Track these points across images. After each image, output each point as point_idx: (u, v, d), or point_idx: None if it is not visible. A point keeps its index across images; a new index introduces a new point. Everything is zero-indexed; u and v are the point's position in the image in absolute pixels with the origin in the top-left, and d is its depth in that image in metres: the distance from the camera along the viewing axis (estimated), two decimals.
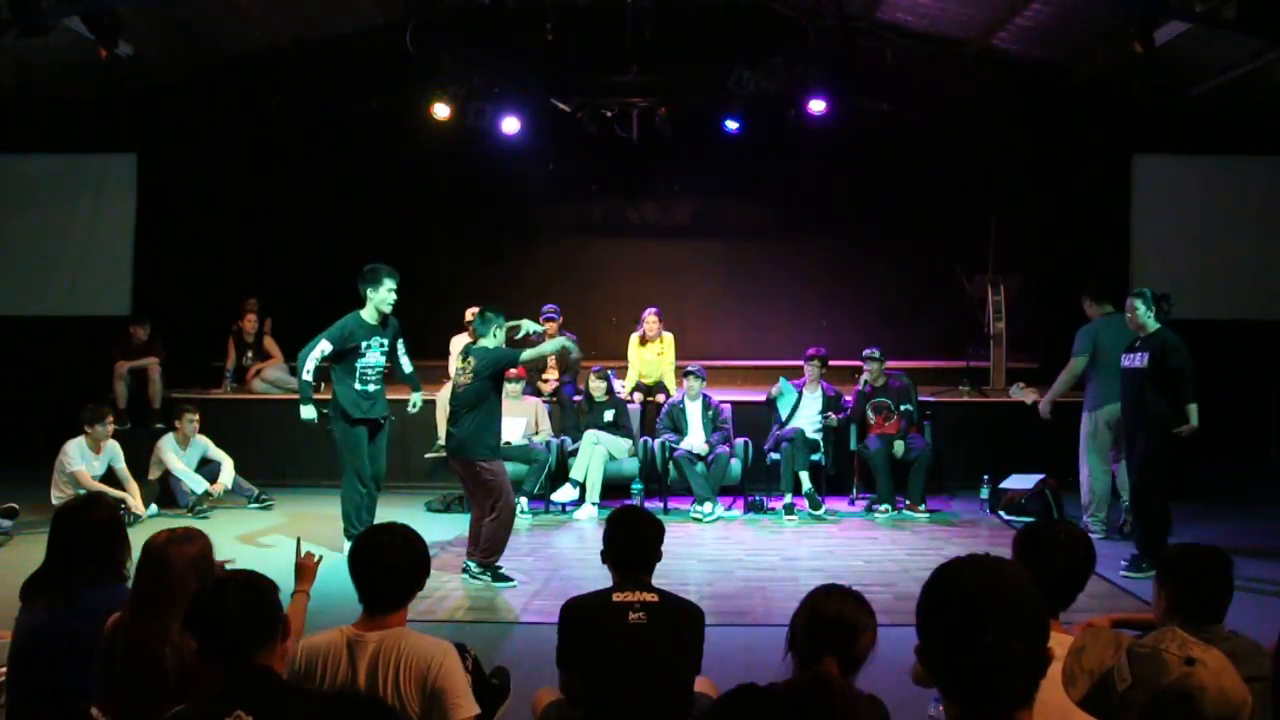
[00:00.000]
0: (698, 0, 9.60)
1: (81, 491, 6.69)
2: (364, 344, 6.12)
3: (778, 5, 9.87)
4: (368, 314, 6.15)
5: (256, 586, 2.22)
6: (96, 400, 7.62)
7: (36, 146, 10.25)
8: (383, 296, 6.14)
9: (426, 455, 8.41)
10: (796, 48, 9.25)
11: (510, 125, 9.74)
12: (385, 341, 6.25)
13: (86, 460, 7.17)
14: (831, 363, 8.40)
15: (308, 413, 6.14)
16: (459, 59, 9.31)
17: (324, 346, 6.03)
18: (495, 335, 5.84)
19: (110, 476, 7.28)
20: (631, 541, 3.06)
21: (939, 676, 1.45)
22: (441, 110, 9.35)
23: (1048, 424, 7.35)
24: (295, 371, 6.53)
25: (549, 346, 6.96)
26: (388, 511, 6.59)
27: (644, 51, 9.41)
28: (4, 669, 3.13)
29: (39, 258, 10.39)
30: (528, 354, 6.13)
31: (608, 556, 3.08)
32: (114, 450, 7.35)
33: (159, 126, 10.21)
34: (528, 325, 6.71)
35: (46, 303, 10.35)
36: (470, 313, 8.65)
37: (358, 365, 6.12)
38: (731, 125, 9.75)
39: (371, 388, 6.19)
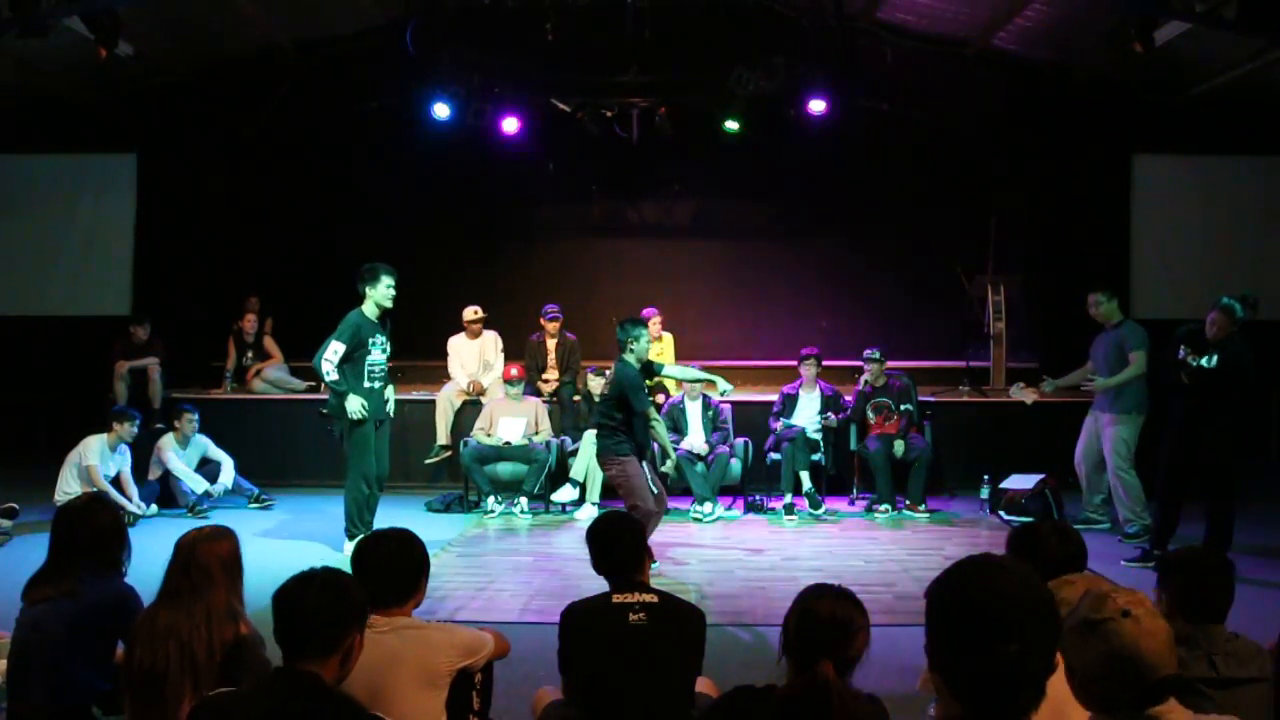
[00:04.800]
0: (698, 0, 9.59)
1: (92, 489, 6.73)
2: (370, 342, 6.14)
3: (778, 5, 9.86)
4: (369, 311, 6.18)
5: (340, 589, 2.18)
6: (101, 400, 7.62)
7: (36, 146, 10.25)
8: (382, 293, 6.16)
9: (426, 461, 8.41)
10: (796, 48, 9.25)
11: (510, 125, 9.74)
12: (385, 339, 6.27)
13: (104, 459, 7.23)
14: (831, 363, 8.40)
15: (354, 405, 6.08)
16: (459, 59, 9.31)
17: (336, 347, 6.03)
18: (632, 349, 5.87)
19: (115, 480, 7.30)
20: (612, 549, 3.11)
21: (950, 679, 1.43)
22: (441, 110, 9.35)
23: (1047, 424, 7.38)
24: (319, 378, 6.47)
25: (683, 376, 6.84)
26: (388, 511, 6.60)
27: (644, 51, 9.40)
28: (4, 662, 3.15)
29: (39, 258, 10.38)
30: (651, 415, 6.01)
31: (597, 568, 3.14)
32: (126, 456, 7.41)
33: (159, 126, 10.21)
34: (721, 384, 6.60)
35: (46, 303, 10.35)
36: (469, 313, 8.66)
37: (365, 364, 6.14)
38: (732, 125, 9.75)
39: (377, 385, 6.22)
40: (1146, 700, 1.76)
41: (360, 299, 6.22)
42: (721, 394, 7.19)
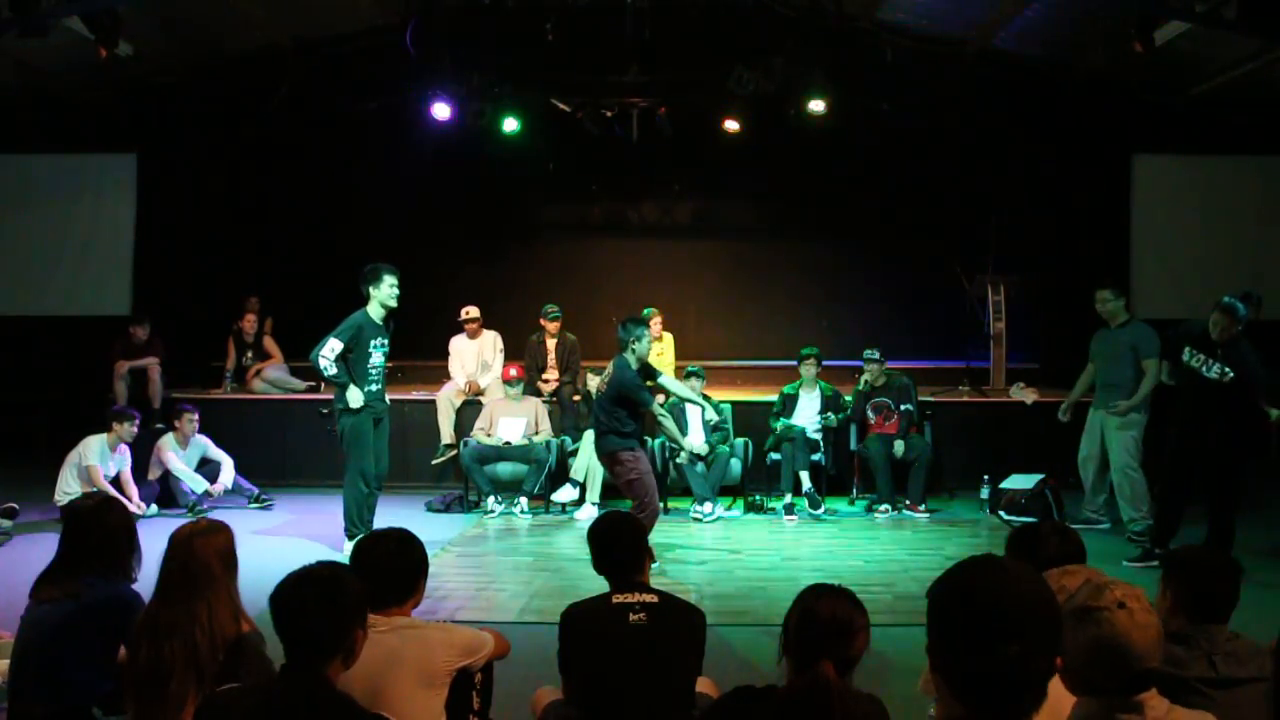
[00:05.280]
0: (698, 0, 9.59)
1: (92, 489, 6.73)
2: (371, 344, 6.12)
3: (778, 5, 9.86)
4: (373, 312, 6.16)
5: (337, 584, 2.16)
6: (101, 400, 7.62)
7: (36, 146, 10.25)
8: (386, 293, 6.15)
9: (433, 462, 8.41)
10: (796, 48, 9.25)
11: (510, 125, 9.74)
12: (386, 341, 6.26)
13: (104, 459, 7.23)
14: (831, 363, 8.40)
15: (356, 397, 6.05)
16: (459, 59, 9.31)
17: (334, 345, 6.01)
18: (634, 349, 5.89)
19: (115, 480, 7.30)
20: (611, 549, 3.12)
21: (952, 680, 1.43)
22: (441, 110, 9.35)
23: (1047, 424, 7.37)
24: (319, 376, 6.37)
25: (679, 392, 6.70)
26: (388, 511, 6.60)
27: (644, 51, 9.40)
28: (5, 662, 3.16)
29: (39, 258, 10.38)
30: (656, 411, 6.08)
31: (598, 567, 3.15)
32: (125, 456, 7.42)
33: (159, 126, 10.21)
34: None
35: (46, 303, 10.35)
36: (465, 312, 8.67)
37: (366, 366, 6.12)
38: (732, 125, 9.74)
39: (374, 387, 6.21)
40: (1128, 688, 1.85)
41: (363, 300, 6.20)
42: (708, 422, 7.18)
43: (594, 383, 7.98)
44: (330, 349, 6.00)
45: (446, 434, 8.40)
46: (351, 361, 6.08)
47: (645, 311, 8.74)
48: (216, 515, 7.36)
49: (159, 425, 8.30)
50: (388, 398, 6.52)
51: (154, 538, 2.99)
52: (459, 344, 8.72)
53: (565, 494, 7.66)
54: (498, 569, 6.12)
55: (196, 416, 7.80)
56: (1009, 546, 2.75)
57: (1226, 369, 5.69)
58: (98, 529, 3.10)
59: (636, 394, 5.80)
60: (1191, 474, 5.88)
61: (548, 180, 10.76)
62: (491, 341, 8.74)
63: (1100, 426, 6.85)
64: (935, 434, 8.14)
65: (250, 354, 9.40)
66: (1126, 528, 6.57)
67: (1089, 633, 1.85)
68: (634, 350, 5.88)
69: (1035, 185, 10.33)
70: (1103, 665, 1.84)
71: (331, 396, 6.39)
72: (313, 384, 9.05)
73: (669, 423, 6.25)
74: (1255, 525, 6.71)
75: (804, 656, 2.21)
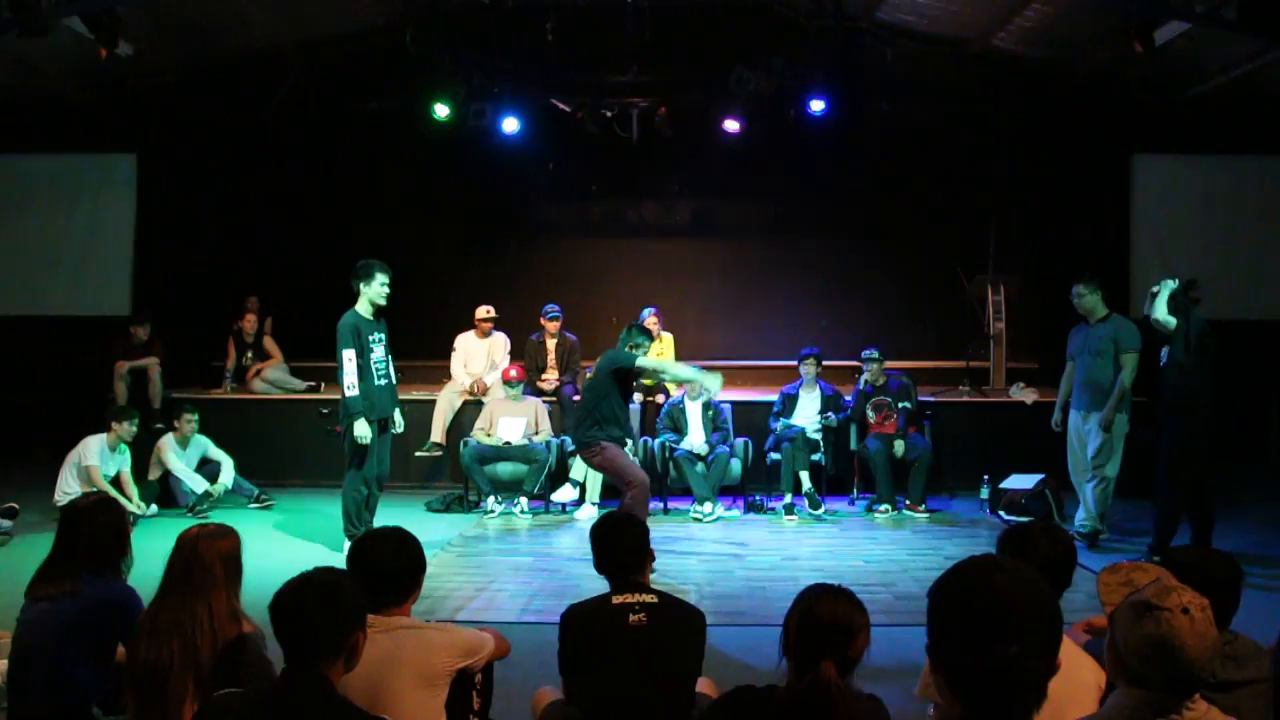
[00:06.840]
0: (698, 0, 9.59)
1: (92, 489, 6.73)
2: (370, 339, 6.11)
3: (778, 5, 9.88)
4: (362, 309, 6.14)
5: (336, 590, 2.17)
6: (101, 400, 7.61)
7: (36, 146, 10.25)
8: (376, 290, 6.13)
9: (417, 454, 8.40)
10: (796, 48, 9.26)
11: (510, 125, 9.75)
12: (383, 336, 6.24)
13: (104, 459, 7.23)
14: (831, 363, 8.40)
15: (362, 428, 6.01)
16: (459, 59, 9.31)
17: (349, 355, 5.98)
18: (630, 350, 6.02)
19: (115, 480, 7.30)
20: (614, 549, 3.12)
21: (952, 680, 1.44)
22: (441, 110, 9.36)
23: (1047, 424, 7.37)
24: (341, 393, 6.23)
25: (673, 371, 7.12)
26: (388, 511, 6.60)
27: (644, 51, 9.41)
28: (4, 662, 3.16)
29: (39, 258, 10.38)
30: (646, 363, 6.12)
31: (599, 567, 3.15)
32: (125, 456, 7.43)
33: (159, 126, 10.20)
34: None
35: (46, 303, 10.35)
36: (481, 311, 8.69)
37: (371, 363, 6.11)
38: (732, 125, 9.75)
39: (383, 382, 6.20)
40: (1171, 688, 1.87)
41: (354, 297, 6.19)
42: (694, 397, 7.47)
43: None
44: (349, 362, 5.97)
45: (438, 432, 8.40)
46: (359, 362, 6.06)
47: (644, 312, 8.74)
48: (216, 515, 7.37)
49: (159, 425, 8.30)
50: (400, 421, 6.51)
51: (154, 538, 3.00)
52: (466, 342, 8.72)
53: (565, 494, 7.64)
54: (498, 569, 6.11)
55: (196, 417, 7.80)
56: (999, 546, 2.75)
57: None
58: (88, 526, 3.13)
59: (629, 361, 5.93)
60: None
61: (548, 180, 10.76)
62: (502, 343, 8.75)
63: (1081, 430, 6.60)
64: (935, 434, 8.14)
65: (250, 354, 9.40)
66: (1074, 526, 6.48)
67: (1146, 629, 1.87)
68: (631, 350, 5.98)
69: (1035, 185, 10.34)
70: (1153, 662, 1.87)
71: (336, 396, 6.37)
72: (313, 384, 9.06)
73: (672, 370, 6.78)
74: (1255, 526, 6.72)
75: (804, 657, 2.22)
